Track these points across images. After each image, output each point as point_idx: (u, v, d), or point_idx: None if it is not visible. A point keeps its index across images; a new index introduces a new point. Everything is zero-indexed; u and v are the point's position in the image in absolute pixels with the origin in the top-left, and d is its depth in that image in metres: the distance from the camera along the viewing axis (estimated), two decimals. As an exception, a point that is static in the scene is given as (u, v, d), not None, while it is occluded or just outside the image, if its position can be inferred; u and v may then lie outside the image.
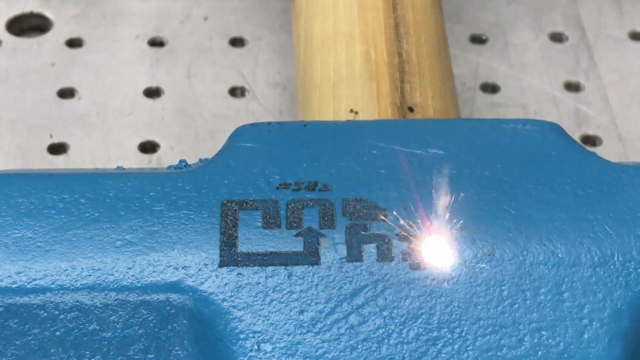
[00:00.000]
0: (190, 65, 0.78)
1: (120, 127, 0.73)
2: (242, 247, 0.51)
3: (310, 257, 0.50)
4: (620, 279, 0.50)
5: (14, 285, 0.50)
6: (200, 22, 0.81)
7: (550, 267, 0.51)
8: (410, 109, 0.60)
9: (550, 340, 0.49)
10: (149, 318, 0.50)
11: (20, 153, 0.72)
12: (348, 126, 0.56)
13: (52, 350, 0.51)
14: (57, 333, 0.50)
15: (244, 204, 0.52)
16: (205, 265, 0.50)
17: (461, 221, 0.52)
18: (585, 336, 0.49)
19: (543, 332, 0.49)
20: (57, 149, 0.72)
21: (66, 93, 0.76)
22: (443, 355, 0.49)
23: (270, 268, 0.50)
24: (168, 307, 0.50)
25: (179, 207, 0.52)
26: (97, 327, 0.50)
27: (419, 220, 0.52)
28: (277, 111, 0.75)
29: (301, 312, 0.49)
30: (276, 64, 0.78)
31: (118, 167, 0.57)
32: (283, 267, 0.50)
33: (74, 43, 0.79)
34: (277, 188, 0.53)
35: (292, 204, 0.52)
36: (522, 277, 0.50)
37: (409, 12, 0.65)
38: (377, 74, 0.62)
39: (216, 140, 0.72)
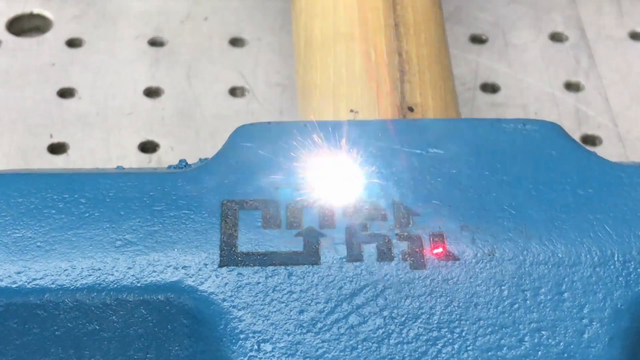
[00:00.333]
0: (190, 65, 0.78)
1: (120, 127, 0.73)
2: (242, 247, 0.51)
3: (310, 257, 0.50)
4: (620, 279, 0.50)
5: (14, 285, 0.50)
6: (200, 22, 0.81)
7: (550, 266, 0.51)
8: (410, 109, 0.60)
9: (550, 340, 0.49)
10: (149, 318, 0.50)
11: (20, 153, 0.72)
12: (348, 126, 0.56)
13: (52, 350, 0.51)
14: (57, 333, 0.50)
15: (244, 204, 0.52)
16: (205, 265, 0.50)
17: (461, 221, 0.52)
18: (585, 336, 0.49)
19: (543, 332, 0.49)
20: (57, 149, 0.72)
21: (66, 93, 0.76)
22: (443, 355, 0.49)
23: (270, 268, 0.50)
24: (168, 307, 0.50)
25: (179, 207, 0.52)
26: (97, 327, 0.50)
27: (419, 220, 0.52)
28: (277, 111, 0.75)
29: (301, 312, 0.49)
30: (276, 64, 0.78)
31: (118, 167, 0.57)
32: (283, 267, 0.50)
33: (74, 43, 0.79)
34: (277, 188, 0.53)
35: (292, 204, 0.52)
36: (522, 277, 0.50)
37: (409, 12, 0.65)
38: (377, 74, 0.62)
39: (216, 140, 0.72)
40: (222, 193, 0.53)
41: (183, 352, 0.51)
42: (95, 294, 0.50)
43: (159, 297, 0.50)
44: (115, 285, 0.50)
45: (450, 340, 0.49)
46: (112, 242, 0.51)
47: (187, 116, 0.74)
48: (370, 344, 0.49)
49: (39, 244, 0.51)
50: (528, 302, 0.50)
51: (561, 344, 0.49)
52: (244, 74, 0.77)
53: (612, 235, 0.52)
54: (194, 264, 0.50)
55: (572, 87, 0.78)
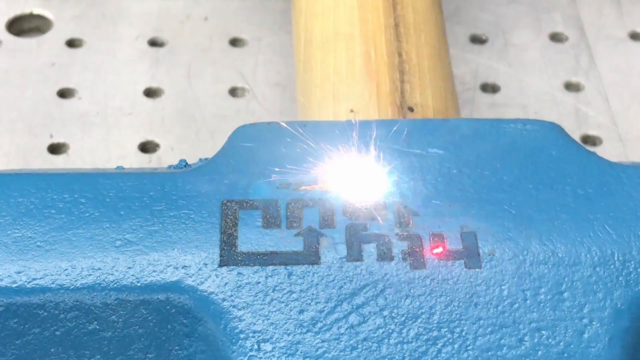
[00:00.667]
0: (190, 65, 0.78)
1: (120, 127, 0.73)
2: (242, 246, 0.51)
3: (310, 256, 0.50)
4: (620, 279, 0.50)
5: (14, 285, 0.50)
6: (200, 22, 0.81)
7: (550, 266, 0.51)
8: (410, 109, 0.60)
9: (550, 340, 0.49)
10: (149, 318, 0.50)
11: (20, 153, 0.72)
12: (348, 126, 0.56)
13: (52, 350, 0.51)
14: (57, 333, 0.50)
15: (244, 204, 0.52)
16: (205, 264, 0.50)
17: (461, 221, 0.52)
18: (585, 336, 0.49)
19: (543, 332, 0.49)
20: (57, 149, 0.72)
21: (66, 93, 0.76)
22: (443, 355, 0.49)
23: (270, 267, 0.50)
24: (168, 307, 0.50)
25: (179, 207, 0.52)
26: (97, 327, 0.50)
27: (419, 220, 0.52)
28: (277, 111, 0.75)
29: (301, 311, 0.49)
30: (276, 64, 0.78)
31: (118, 167, 0.57)
32: (283, 266, 0.50)
33: (74, 43, 0.79)
34: (277, 188, 0.53)
35: (292, 204, 0.52)
36: (522, 277, 0.50)
37: (409, 12, 0.65)
38: (377, 74, 0.62)
39: (216, 140, 0.72)
40: (222, 193, 0.53)
41: (183, 352, 0.51)
42: (95, 293, 0.50)
43: (159, 297, 0.50)
44: (115, 285, 0.50)
45: (450, 340, 0.49)
46: (112, 242, 0.51)
47: (187, 116, 0.74)
48: (370, 343, 0.49)
49: (39, 243, 0.51)
50: (528, 302, 0.50)
51: (561, 343, 0.49)
52: (244, 74, 0.77)
53: (612, 235, 0.52)
54: (194, 264, 0.50)
55: (572, 87, 0.78)
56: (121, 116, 0.74)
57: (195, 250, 0.51)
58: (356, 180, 0.53)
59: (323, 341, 0.49)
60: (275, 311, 0.49)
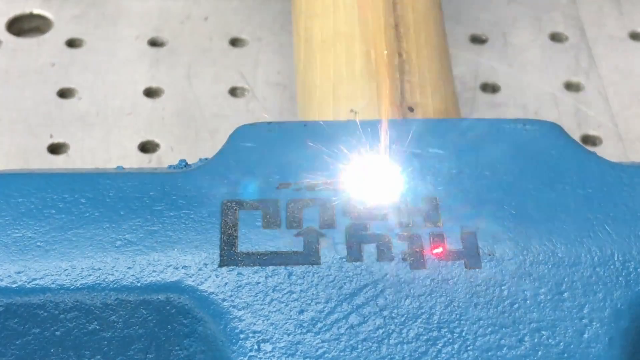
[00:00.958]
0: (190, 65, 0.78)
1: (120, 127, 0.73)
2: (242, 246, 0.51)
3: (310, 256, 0.50)
4: (620, 279, 0.50)
5: (14, 285, 0.50)
6: (200, 22, 0.81)
7: (550, 266, 0.51)
8: (410, 109, 0.60)
9: (550, 340, 0.49)
10: (149, 318, 0.50)
11: (20, 153, 0.72)
12: (348, 126, 0.56)
13: (52, 350, 0.51)
14: (57, 333, 0.50)
15: (244, 204, 0.52)
16: (205, 265, 0.50)
17: (461, 221, 0.52)
18: (585, 336, 0.49)
19: (543, 332, 0.49)
20: (57, 149, 0.72)
21: (66, 93, 0.76)
22: (443, 355, 0.49)
23: (270, 268, 0.50)
24: (168, 307, 0.50)
25: (179, 207, 0.52)
26: (97, 327, 0.50)
27: (419, 220, 0.52)
28: (277, 111, 0.75)
29: (301, 311, 0.49)
30: (276, 64, 0.78)
31: (118, 167, 0.57)
32: (283, 266, 0.50)
33: (74, 43, 0.79)
34: (277, 188, 0.53)
35: (292, 204, 0.52)
36: (522, 277, 0.50)
37: (409, 12, 0.65)
38: (377, 74, 0.62)
39: (216, 140, 0.72)
40: (222, 193, 0.53)
41: (183, 352, 0.51)
42: (95, 294, 0.50)
43: (159, 297, 0.50)
44: (115, 285, 0.50)
45: (450, 340, 0.49)
46: (112, 242, 0.51)
47: (187, 116, 0.74)
48: (370, 343, 0.49)
49: (39, 243, 0.51)
50: (528, 302, 0.50)
51: (561, 344, 0.49)
52: (244, 74, 0.77)
53: (612, 235, 0.52)
54: (194, 264, 0.50)
55: (572, 87, 0.78)
56: (121, 116, 0.74)
57: (195, 250, 0.51)
58: (356, 180, 0.53)
59: (323, 341, 0.49)
60: (275, 311, 0.49)
